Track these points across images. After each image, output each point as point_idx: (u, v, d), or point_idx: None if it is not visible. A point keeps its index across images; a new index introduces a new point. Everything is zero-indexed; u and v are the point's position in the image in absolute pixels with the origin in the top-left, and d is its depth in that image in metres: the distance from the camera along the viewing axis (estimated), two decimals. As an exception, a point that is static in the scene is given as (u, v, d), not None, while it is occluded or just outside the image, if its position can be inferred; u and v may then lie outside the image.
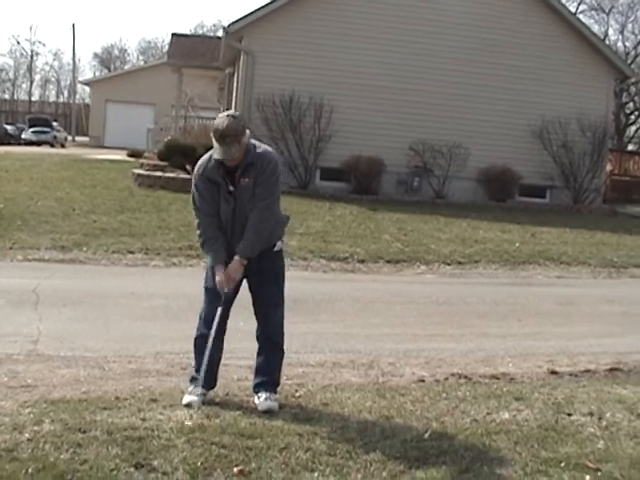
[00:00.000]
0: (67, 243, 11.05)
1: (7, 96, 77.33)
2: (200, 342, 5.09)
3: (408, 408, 5.20)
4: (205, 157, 5.07)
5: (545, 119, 20.60)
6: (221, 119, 4.86)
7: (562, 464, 4.35)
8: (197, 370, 5.10)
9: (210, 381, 5.12)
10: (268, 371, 5.15)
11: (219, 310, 5.00)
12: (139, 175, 19.44)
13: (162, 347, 6.60)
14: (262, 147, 5.05)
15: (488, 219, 17.01)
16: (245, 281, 5.16)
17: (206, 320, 5.09)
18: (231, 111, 5.00)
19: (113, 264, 10.35)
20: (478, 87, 20.40)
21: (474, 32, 20.10)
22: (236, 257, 4.97)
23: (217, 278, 4.98)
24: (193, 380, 5.12)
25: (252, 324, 5.18)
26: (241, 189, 4.95)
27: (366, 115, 19.93)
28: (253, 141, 5.01)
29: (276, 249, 5.12)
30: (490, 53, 20.41)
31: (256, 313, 5.15)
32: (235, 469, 4.03)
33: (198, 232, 5.17)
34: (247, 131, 4.92)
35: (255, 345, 5.21)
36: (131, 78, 51.43)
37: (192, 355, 5.21)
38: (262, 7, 19.97)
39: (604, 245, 14.86)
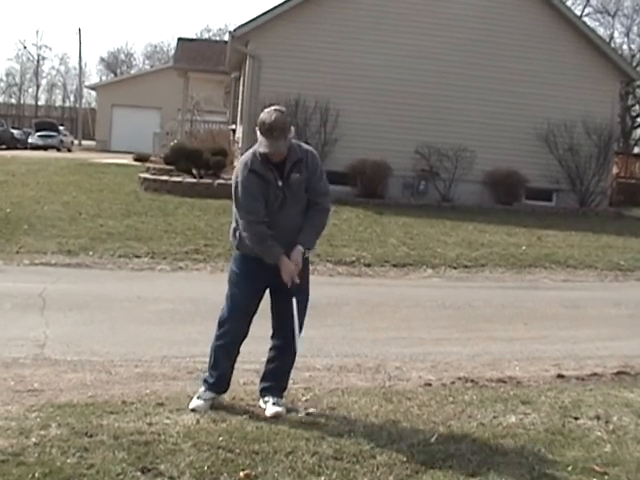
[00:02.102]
0: (73, 247, 11.07)
1: (14, 100, 77.72)
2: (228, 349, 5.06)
3: (415, 412, 5.19)
4: (248, 153, 4.92)
5: (551, 122, 20.56)
6: (268, 113, 4.76)
7: (569, 468, 4.35)
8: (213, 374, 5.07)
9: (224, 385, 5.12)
10: (280, 376, 5.13)
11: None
12: (145, 179, 19.48)
13: (168, 351, 6.60)
14: (305, 145, 5.07)
15: (494, 222, 16.99)
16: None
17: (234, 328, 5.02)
18: (277, 106, 4.87)
19: (119, 268, 10.36)
20: (484, 90, 20.37)
21: (480, 36, 20.11)
22: (299, 246, 4.87)
23: (286, 269, 4.82)
24: (205, 383, 5.09)
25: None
26: (290, 184, 4.88)
27: (372, 119, 19.92)
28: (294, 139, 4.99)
29: (306, 256, 5.03)
30: (496, 57, 20.40)
31: (284, 319, 5.00)
32: (241, 473, 4.03)
33: (235, 228, 4.97)
34: (292, 127, 4.87)
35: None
36: (137, 82, 51.60)
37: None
38: (268, 11, 19.98)
39: (610, 248, 14.82)
